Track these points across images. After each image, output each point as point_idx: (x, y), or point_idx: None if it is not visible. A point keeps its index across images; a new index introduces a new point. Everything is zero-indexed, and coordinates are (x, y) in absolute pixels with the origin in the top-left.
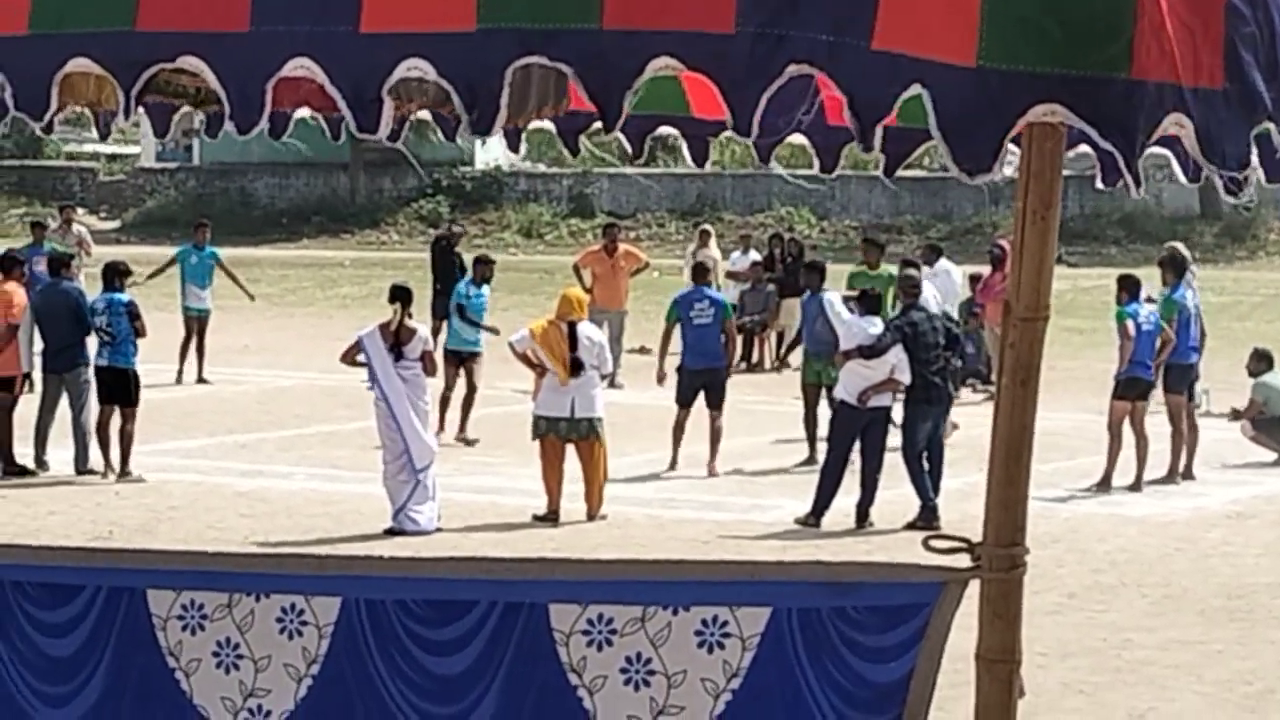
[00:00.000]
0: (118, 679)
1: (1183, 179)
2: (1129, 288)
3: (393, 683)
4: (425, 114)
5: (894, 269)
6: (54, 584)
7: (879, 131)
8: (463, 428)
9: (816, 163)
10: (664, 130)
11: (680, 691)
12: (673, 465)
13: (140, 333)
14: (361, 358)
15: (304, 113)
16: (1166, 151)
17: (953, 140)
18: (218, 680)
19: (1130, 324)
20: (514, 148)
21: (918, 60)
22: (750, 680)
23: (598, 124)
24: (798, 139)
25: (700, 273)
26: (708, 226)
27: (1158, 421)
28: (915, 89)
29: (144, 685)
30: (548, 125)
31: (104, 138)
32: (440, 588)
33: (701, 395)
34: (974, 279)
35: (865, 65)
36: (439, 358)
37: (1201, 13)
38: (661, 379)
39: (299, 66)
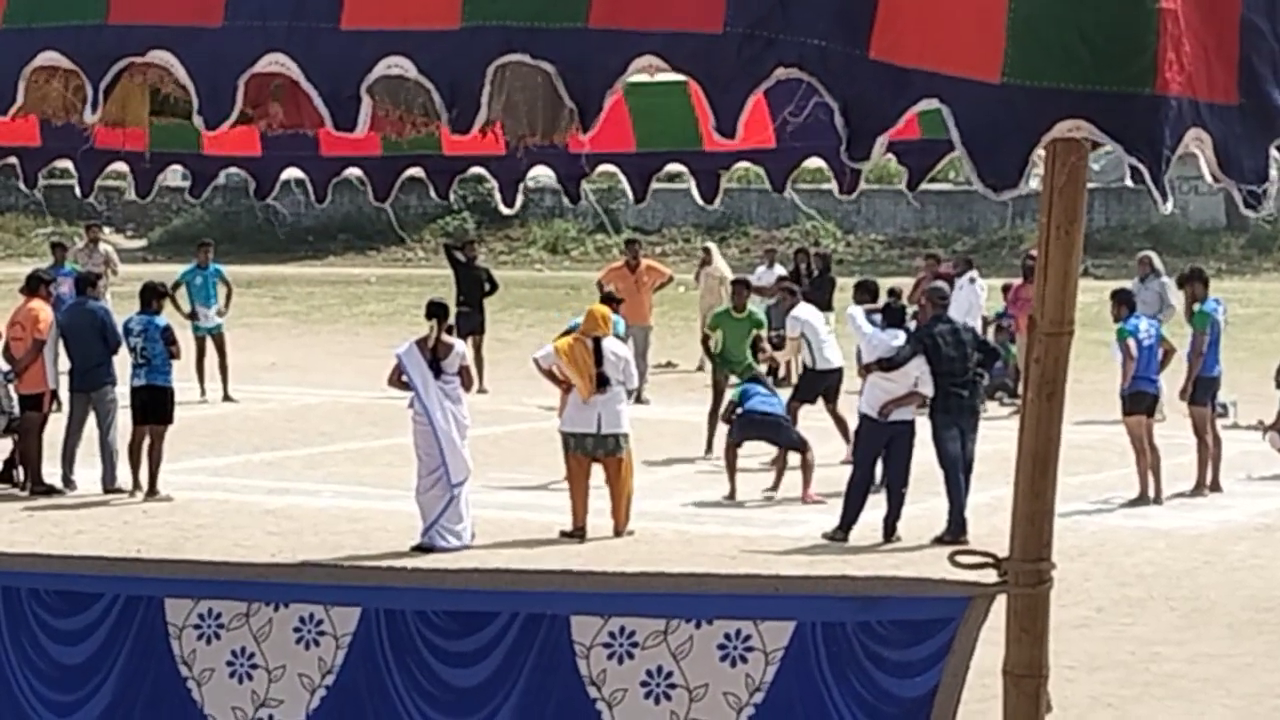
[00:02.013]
0: (128, 687)
1: (1209, 177)
2: (1126, 302)
3: (408, 694)
4: (419, 171)
5: (758, 310)
6: (71, 592)
7: (879, 142)
8: None
9: (835, 185)
10: (672, 168)
11: (702, 705)
12: (731, 495)
13: (175, 355)
14: (405, 378)
15: (291, 173)
16: (1195, 152)
17: (978, 156)
18: (230, 690)
19: (1133, 343)
20: (509, 202)
21: (934, 75)
22: (773, 694)
23: (601, 168)
24: (815, 162)
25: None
26: (710, 244)
27: (1183, 434)
28: (928, 103)
29: (154, 694)
30: (549, 174)
31: (85, 195)
32: (461, 599)
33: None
34: (1005, 289)
35: (862, 74)
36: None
37: (1216, 29)
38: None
39: (274, 62)
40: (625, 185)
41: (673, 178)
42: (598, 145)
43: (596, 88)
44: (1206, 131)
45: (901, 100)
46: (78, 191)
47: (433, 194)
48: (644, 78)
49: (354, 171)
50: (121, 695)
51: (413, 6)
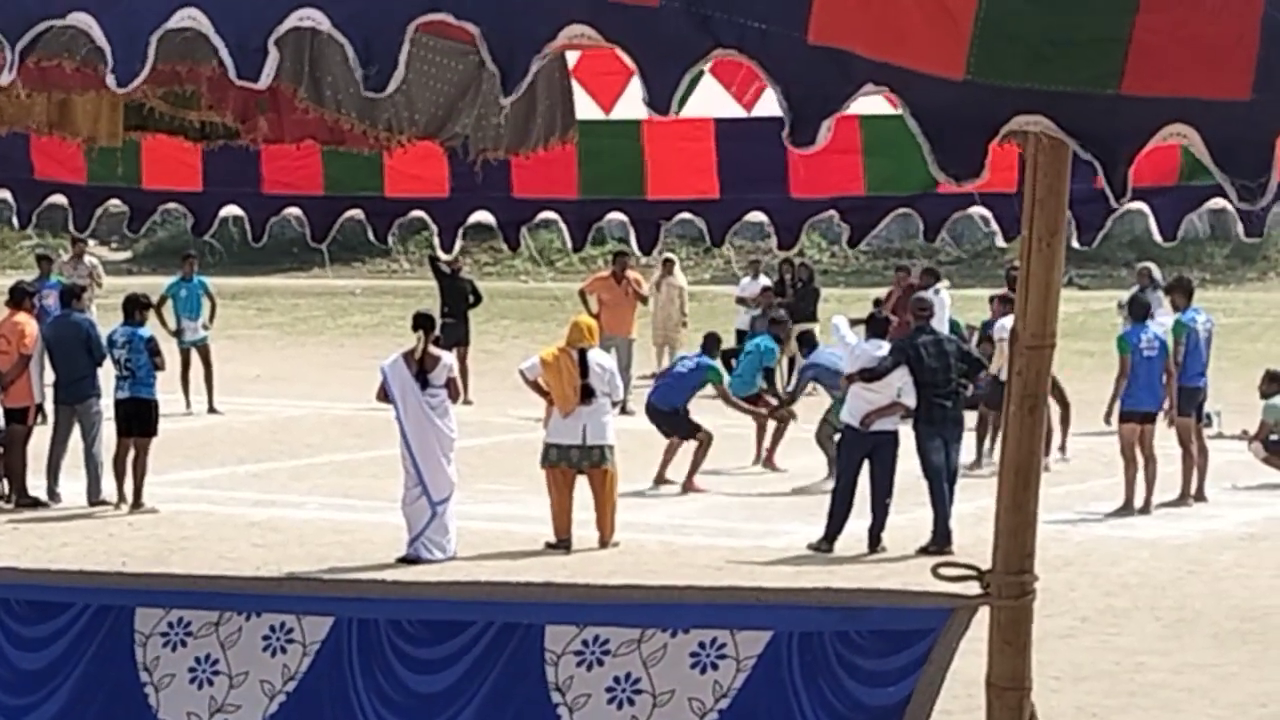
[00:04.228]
0: (84, 693)
1: (1158, 238)
2: (1132, 310)
3: (368, 699)
4: (358, 213)
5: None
6: (43, 602)
7: (824, 126)
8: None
9: (775, 240)
10: (612, 218)
11: (665, 711)
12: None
13: (159, 367)
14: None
15: (230, 210)
16: (1144, 206)
17: (938, 146)
18: (189, 695)
19: (1129, 359)
20: (447, 246)
21: (884, 65)
22: (740, 701)
23: (542, 215)
24: (756, 216)
25: (711, 343)
26: (670, 255)
27: (1168, 444)
28: (876, 89)
29: (109, 699)
30: (489, 219)
31: (24, 225)
32: (438, 608)
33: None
34: (993, 300)
35: (803, 58)
36: None
37: (1234, 26)
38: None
39: (186, 17)
40: (565, 233)
41: None
42: (540, 190)
43: (522, 53)
44: (1193, 126)
45: (847, 85)
46: (15, 222)
47: (371, 237)
48: (600, 115)
49: (293, 211)
50: (75, 700)
51: None
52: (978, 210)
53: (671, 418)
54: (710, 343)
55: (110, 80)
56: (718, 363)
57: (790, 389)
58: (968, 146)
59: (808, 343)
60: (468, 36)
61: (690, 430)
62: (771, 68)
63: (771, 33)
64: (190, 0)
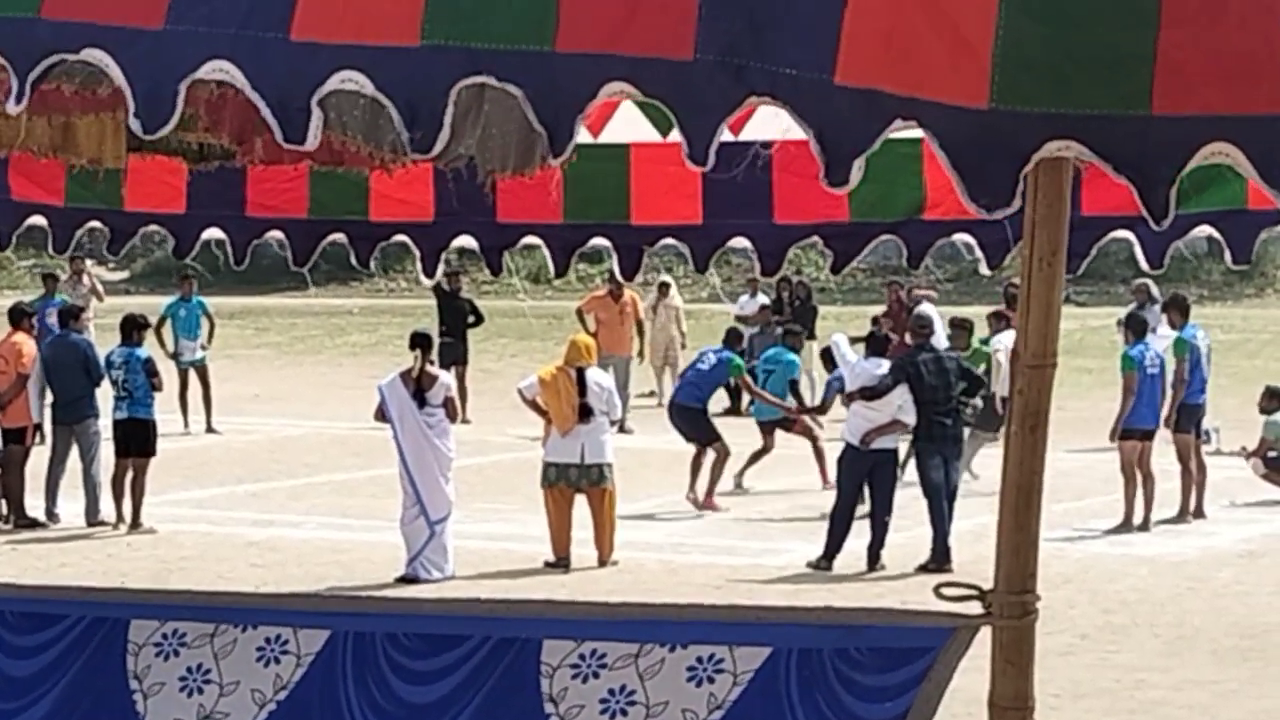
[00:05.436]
0: (70, 699)
1: (1144, 264)
2: (1133, 328)
3: (359, 708)
4: (340, 236)
5: None
6: (37, 613)
7: (856, 165)
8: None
9: (758, 266)
10: (595, 243)
11: None
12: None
13: (157, 388)
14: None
15: (212, 233)
16: (1130, 235)
17: (968, 176)
18: (177, 703)
19: (1135, 375)
20: (429, 272)
21: (910, 99)
22: (734, 712)
23: (525, 239)
24: (739, 242)
25: (733, 337)
26: (667, 278)
27: (1167, 461)
28: (904, 124)
29: (96, 705)
30: (472, 244)
31: (3, 247)
32: (435, 623)
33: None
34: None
35: (832, 99)
36: None
37: (1262, 37)
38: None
39: (218, 69)
40: (548, 258)
41: None
42: (524, 214)
43: (566, 113)
44: (1235, 144)
45: (876, 122)
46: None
47: (353, 261)
48: (587, 139)
49: (275, 234)
50: (60, 705)
51: (368, 21)
52: (961, 237)
53: (695, 417)
54: (731, 337)
55: (135, 125)
56: (739, 357)
57: (821, 399)
58: (997, 175)
59: (831, 358)
60: None
61: (710, 436)
62: (804, 111)
63: (802, 77)
64: (222, 52)
